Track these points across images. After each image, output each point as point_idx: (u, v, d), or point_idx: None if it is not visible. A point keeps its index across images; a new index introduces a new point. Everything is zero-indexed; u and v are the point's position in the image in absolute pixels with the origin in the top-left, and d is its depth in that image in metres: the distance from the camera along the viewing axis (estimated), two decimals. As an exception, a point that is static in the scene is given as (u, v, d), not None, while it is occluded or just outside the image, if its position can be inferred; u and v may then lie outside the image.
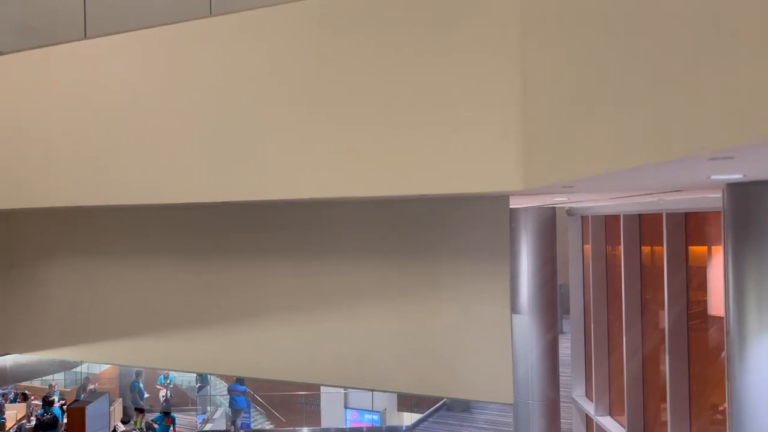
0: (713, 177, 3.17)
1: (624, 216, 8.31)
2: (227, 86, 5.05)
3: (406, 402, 21.64)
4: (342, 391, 21.85)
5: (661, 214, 7.17)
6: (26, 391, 17.97)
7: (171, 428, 15.43)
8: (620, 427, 9.17)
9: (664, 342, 7.81)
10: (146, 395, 17.19)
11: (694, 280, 7.19)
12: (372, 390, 5.61)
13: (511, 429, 17.36)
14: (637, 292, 8.43)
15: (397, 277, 5.56)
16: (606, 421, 9.53)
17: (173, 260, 6.51)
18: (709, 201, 6.04)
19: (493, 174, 4.22)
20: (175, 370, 6.36)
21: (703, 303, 7.10)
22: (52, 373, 18.24)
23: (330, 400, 23.40)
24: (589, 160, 2.88)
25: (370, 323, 5.67)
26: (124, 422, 17.83)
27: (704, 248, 7.05)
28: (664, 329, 7.61)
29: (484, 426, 18.37)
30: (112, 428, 17.14)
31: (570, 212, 10.85)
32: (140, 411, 17.11)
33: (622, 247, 8.40)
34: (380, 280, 5.62)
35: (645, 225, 8.35)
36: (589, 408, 10.14)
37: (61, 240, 7.11)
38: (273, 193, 4.96)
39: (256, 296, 6.15)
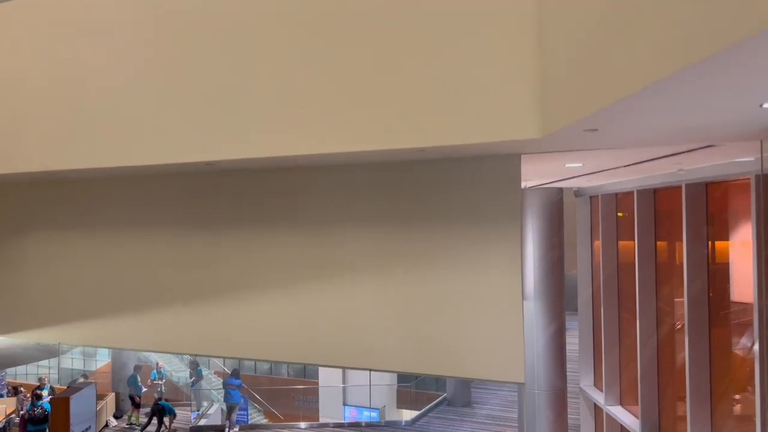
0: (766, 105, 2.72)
1: (638, 191, 7.85)
2: (206, 35, 4.61)
3: (406, 398, 21.29)
4: (340, 385, 21.50)
5: (680, 186, 6.72)
6: (22, 388, 17.56)
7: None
8: (632, 416, 8.72)
9: (681, 327, 7.37)
10: (143, 389, 16.79)
11: (716, 262, 6.75)
12: (373, 370, 5.14)
13: (513, 424, 17.00)
14: (651, 274, 7.96)
15: (399, 246, 5.11)
16: (617, 411, 9.08)
17: (155, 233, 6.05)
18: (735, 167, 5.59)
19: (505, 120, 3.78)
20: (160, 352, 5.92)
21: (727, 286, 6.66)
22: (34, 360, 17.82)
23: (328, 398, 23.07)
24: (619, 79, 2.43)
25: (370, 297, 5.22)
26: (116, 417, 17.49)
27: (728, 224, 6.59)
28: (682, 314, 7.18)
29: (485, 421, 17.97)
30: (104, 423, 16.76)
31: (578, 193, 10.39)
32: (136, 406, 16.73)
33: (635, 224, 7.93)
34: (381, 251, 5.17)
35: (661, 200, 7.88)
36: (599, 398, 9.69)
37: (35, 215, 6.63)
38: (263, 150, 4.52)
39: (247, 271, 5.69)
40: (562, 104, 3.30)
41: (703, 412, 6.75)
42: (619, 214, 9.09)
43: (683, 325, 7.19)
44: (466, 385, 19.11)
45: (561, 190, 10.20)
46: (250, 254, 5.66)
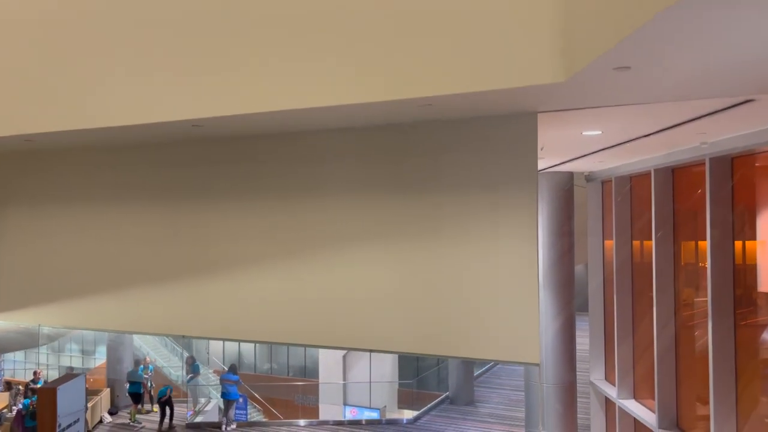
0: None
1: (655, 171, 7.39)
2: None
3: (407, 399, 20.96)
4: (340, 382, 21.14)
5: (702, 163, 6.28)
6: (20, 386, 17.22)
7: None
8: (647, 410, 8.27)
9: (703, 316, 6.92)
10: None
11: (743, 246, 6.30)
12: (375, 351, 4.72)
13: (517, 423, 16.60)
14: (669, 259, 7.49)
15: (402, 216, 4.68)
16: (630, 405, 8.64)
17: (138, 207, 5.63)
18: (765, 135, 5.15)
19: (525, 63, 3.35)
20: (145, 333, 5.49)
21: (754, 273, 6.22)
22: (17, 346, 17.47)
23: (328, 397, 22.76)
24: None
25: (371, 271, 4.79)
26: (111, 413, 17.15)
27: (756, 203, 6.13)
28: (703, 302, 6.75)
29: (488, 420, 17.56)
30: (98, 419, 16.41)
31: (589, 177, 9.95)
32: (137, 402, 16.38)
33: (653, 205, 7.47)
34: (383, 221, 4.74)
35: (680, 179, 7.43)
36: (611, 391, 9.25)
37: (10, 189, 6.21)
38: (252, 104, 4.10)
39: (237, 244, 5.28)
40: (590, 34, 2.88)
41: (727, 407, 6.31)
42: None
43: (705, 314, 6.76)
44: (468, 383, 18.72)
45: (572, 174, 9.79)
46: (238, 227, 5.24)
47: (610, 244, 9.57)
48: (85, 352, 35.81)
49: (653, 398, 8.12)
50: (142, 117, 4.49)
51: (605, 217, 9.87)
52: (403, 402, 21.41)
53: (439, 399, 18.64)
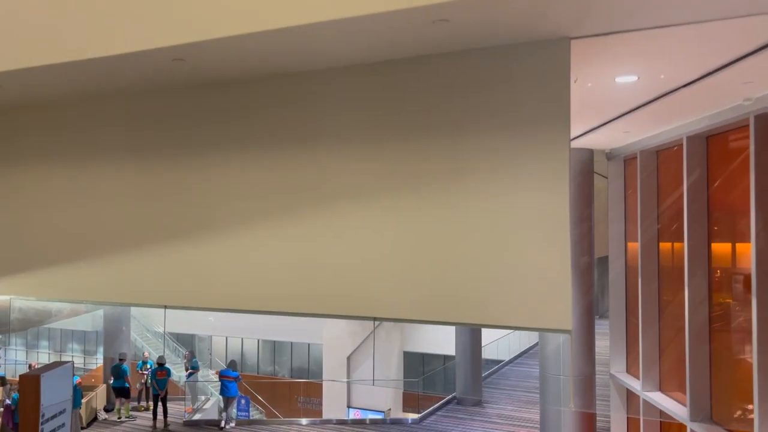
0: None
1: (688, 139, 6.72)
2: None
3: (412, 402, 20.50)
4: (344, 380, 20.62)
5: (744, 126, 5.63)
6: (12, 385, 16.75)
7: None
8: (676, 403, 7.61)
9: (744, 300, 6.26)
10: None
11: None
12: (383, 319, 4.11)
13: (527, 424, 15.98)
14: (704, 236, 6.80)
15: (413, 165, 4.08)
16: (656, 397, 7.98)
17: (114, 164, 5.05)
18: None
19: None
20: (122, 304, 4.92)
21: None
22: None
23: (332, 399, 22.31)
24: None
25: (380, 230, 4.19)
26: (107, 410, 16.71)
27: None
28: (742, 286, 6.12)
29: (497, 420, 16.94)
30: (93, 416, 15.93)
31: (610, 155, 9.30)
32: (126, 397, 15.88)
33: (684, 178, 6.82)
34: (394, 172, 4.14)
35: (714, 150, 6.77)
36: (634, 384, 8.59)
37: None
38: (246, 24, 3.53)
39: (225, 204, 4.70)
40: None
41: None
42: None
43: (745, 298, 6.12)
44: (476, 383, 18.13)
45: (592, 152, 9.19)
46: (226, 182, 4.66)
47: (633, 227, 8.93)
48: (87, 352, 35.41)
49: (681, 390, 7.47)
50: (118, 46, 3.92)
51: (628, 198, 9.21)
52: (408, 405, 20.94)
53: (445, 400, 18.06)
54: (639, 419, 8.46)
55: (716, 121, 6.06)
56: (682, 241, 7.14)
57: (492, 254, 3.88)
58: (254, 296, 4.66)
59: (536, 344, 22.99)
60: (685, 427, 7.17)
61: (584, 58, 4.16)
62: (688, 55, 4.24)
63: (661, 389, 8.20)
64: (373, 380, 19.94)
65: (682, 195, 7.17)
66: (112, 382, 15.91)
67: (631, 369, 9.22)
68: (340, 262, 4.34)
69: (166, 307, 4.88)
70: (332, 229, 4.33)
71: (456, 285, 3.96)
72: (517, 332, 24.90)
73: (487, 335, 20.31)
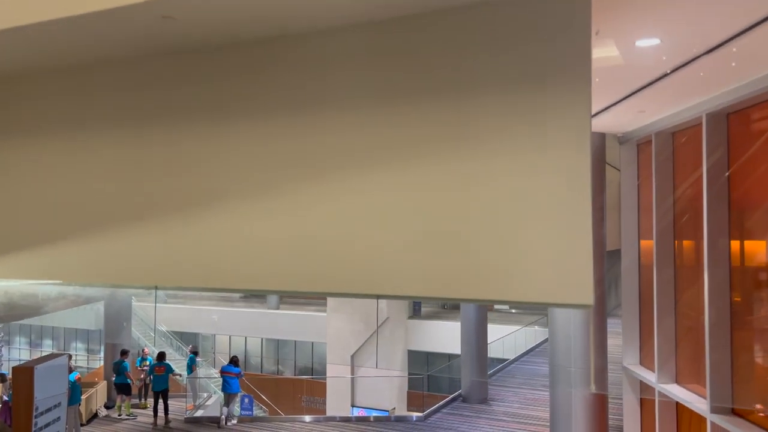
0: None
1: (708, 116, 6.41)
2: None
3: (416, 401, 20.34)
4: (348, 376, 20.38)
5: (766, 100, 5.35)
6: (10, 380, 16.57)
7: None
8: (694, 395, 7.29)
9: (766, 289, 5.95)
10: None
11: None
12: (392, 297, 3.80)
13: (534, 422, 15.69)
14: (724, 217, 6.48)
15: (425, 129, 3.79)
16: (673, 389, 7.67)
17: (101, 137, 4.76)
18: None
19: None
20: (112, 285, 4.65)
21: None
22: None
23: (336, 399, 22.12)
24: None
25: (386, 199, 3.90)
26: (107, 407, 16.57)
27: None
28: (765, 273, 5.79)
29: (504, 418, 16.69)
30: (93, 413, 15.77)
31: (622, 139, 8.98)
32: (126, 394, 15.69)
33: (704, 158, 6.50)
34: (400, 137, 3.86)
35: (735, 129, 6.45)
36: (649, 376, 8.28)
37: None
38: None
39: (219, 175, 4.41)
40: None
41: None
42: None
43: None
44: (482, 381, 17.88)
45: (603, 136, 8.88)
46: (224, 151, 4.38)
47: (647, 217, 8.61)
48: (90, 351, 35.32)
49: (699, 382, 7.15)
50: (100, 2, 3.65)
51: (642, 184, 8.89)
52: (413, 404, 20.73)
53: (450, 397, 17.82)
54: (653, 412, 8.14)
55: (741, 93, 5.70)
56: (699, 230, 6.84)
57: (509, 225, 3.59)
58: (252, 274, 4.37)
59: (542, 342, 22.72)
60: (704, 418, 6.85)
61: (604, 17, 3.87)
62: (717, 14, 3.95)
63: (677, 381, 7.88)
64: (377, 368, 19.67)
65: (700, 179, 6.86)
66: (114, 378, 15.74)
67: (645, 361, 8.90)
68: (342, 238, 4.05)
69: (156, 287, 4.59)
70: (337, 201, 4.04)
71: (470, 257, 3.67)
72: (523, 330, 24.63)
73: (493, 334, 20.07)
